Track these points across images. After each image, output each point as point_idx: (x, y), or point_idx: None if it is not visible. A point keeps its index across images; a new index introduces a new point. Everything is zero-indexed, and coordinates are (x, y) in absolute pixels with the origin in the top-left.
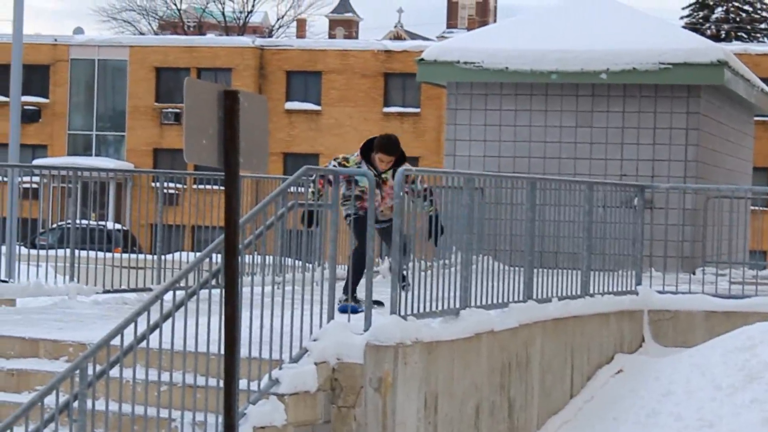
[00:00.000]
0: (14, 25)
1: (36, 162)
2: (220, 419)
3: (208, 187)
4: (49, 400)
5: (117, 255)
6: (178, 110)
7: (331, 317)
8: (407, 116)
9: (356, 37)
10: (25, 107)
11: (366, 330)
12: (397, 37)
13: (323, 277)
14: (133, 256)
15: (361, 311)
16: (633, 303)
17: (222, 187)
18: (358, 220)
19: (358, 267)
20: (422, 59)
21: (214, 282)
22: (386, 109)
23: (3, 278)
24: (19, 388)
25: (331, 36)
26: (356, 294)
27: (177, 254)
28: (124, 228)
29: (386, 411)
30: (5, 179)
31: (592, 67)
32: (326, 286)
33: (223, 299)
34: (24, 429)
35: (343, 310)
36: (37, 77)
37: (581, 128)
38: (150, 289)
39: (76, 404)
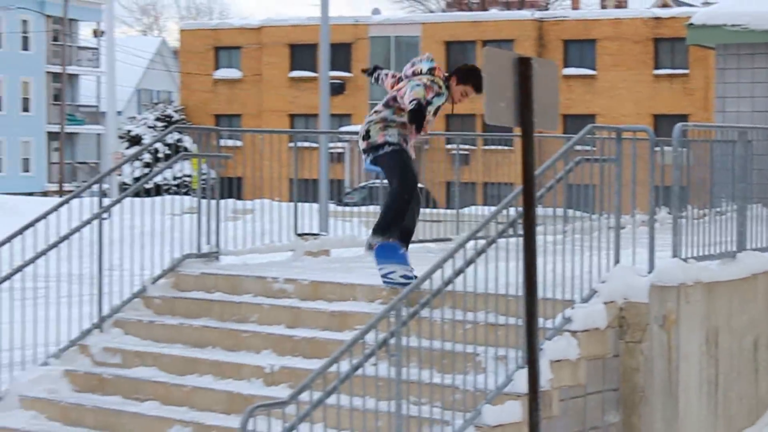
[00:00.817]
0: (322, 9)
1: (342, 129)
2: (519, 353)
3: (496, 147)
4: (369, 338)
5: None
6: None
7: (616, 261)
8: (676, 77)
9: (626, 7)
10: (332, 81)
11: (650, 272)
12: (665, 5)
13: (608, 226)
14: (432, 210)
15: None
16: None
17: (507, 147)
18: (401, 153)
19: (401, 210)
20: (691, 24)
21: (509, 231)
22: (656, 72)
23: (320, 232)
24: (341, 328)
25: (603, 6)
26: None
27: (471, 208)
28: (423, 186)
29: (671, 345)
30: (318, 145)
31: None
32: (611, 234)
33: (523, 246)
34: (348, 362)
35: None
36: (340, 54)
37: None
38: (450, 239)
39: (392, 341)
